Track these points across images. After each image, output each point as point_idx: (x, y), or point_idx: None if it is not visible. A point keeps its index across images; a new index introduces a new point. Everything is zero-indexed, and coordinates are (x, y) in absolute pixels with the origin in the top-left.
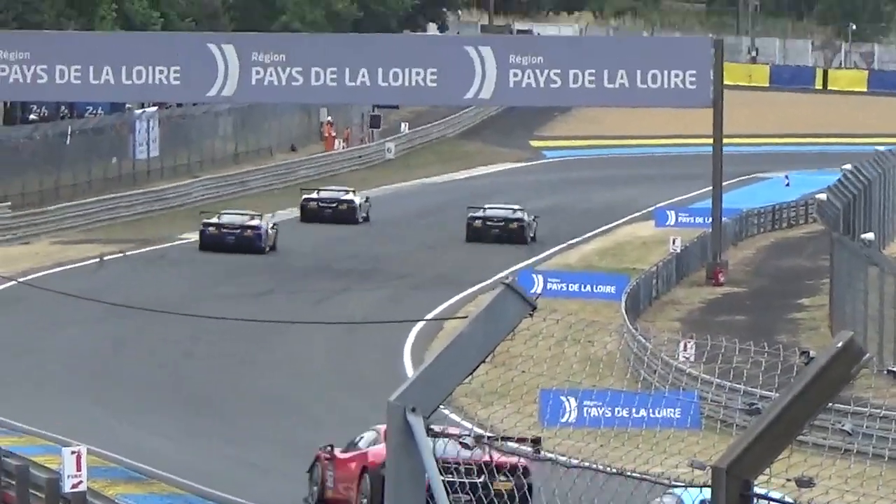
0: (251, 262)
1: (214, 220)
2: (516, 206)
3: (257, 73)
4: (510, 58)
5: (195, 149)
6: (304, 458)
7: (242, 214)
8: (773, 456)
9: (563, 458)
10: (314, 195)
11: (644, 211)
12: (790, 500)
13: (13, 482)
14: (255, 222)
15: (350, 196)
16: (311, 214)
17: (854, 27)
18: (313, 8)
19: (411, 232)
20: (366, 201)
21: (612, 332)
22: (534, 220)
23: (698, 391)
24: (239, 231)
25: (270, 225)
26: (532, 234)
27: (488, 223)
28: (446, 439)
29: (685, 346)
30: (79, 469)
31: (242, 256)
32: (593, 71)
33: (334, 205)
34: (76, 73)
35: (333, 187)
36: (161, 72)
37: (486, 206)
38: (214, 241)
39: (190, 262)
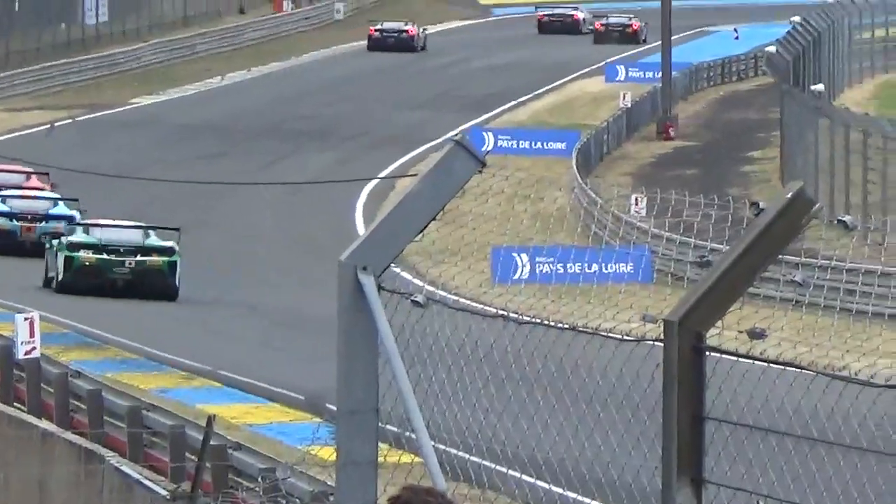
0: (203, 126)
1: (378, 26)
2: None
3: None
4: None
5: (144, 13)
6: (255, 320)
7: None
8: (724, 308)
9: (515, 315)
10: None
11: (594, 66)
12: (743, 353)
13: None
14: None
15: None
16: (376, 44)
17: None
18: None
19: (361, 92)
20: (423, 31)
21: (563, 188)
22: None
23: (649, 245)
24: (397, 34)
25: (421, 30)
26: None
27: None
28: None
29: (636, 200)
30: (32, 335)
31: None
32: None
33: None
34: None
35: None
36: None
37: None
38: (378, 44)
39: (142, 125)
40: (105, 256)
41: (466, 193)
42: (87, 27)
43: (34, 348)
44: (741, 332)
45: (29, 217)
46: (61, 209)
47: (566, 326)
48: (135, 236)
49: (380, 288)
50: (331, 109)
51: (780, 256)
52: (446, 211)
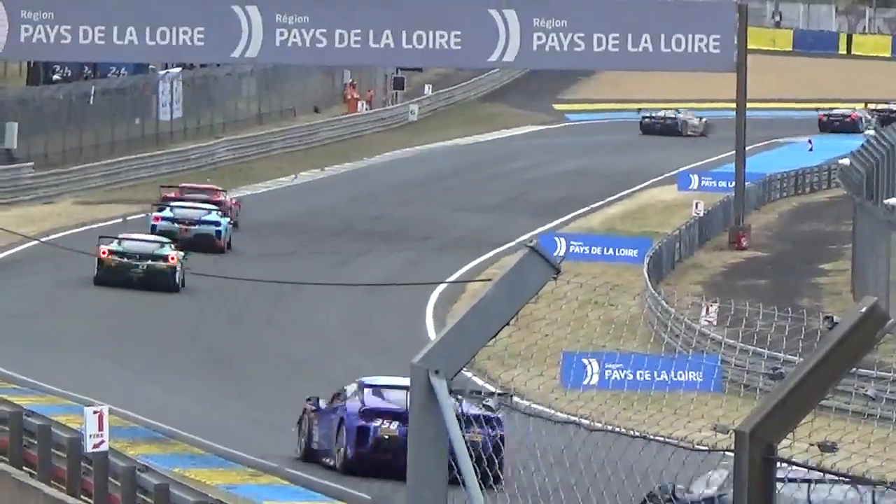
0: (275, 224)
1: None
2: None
3: (281, 34)
4: (534, 21)
5: (218, 110)
6: None
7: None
8: (796, 420)
9: (586, 422)
10: None
11: (667, 174)
12: (813, 465)
13: (35, 442)
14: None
15: None
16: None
17: None
18: None
19: (435, 194)
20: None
21: (635, 296)
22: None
23: (720, 355)
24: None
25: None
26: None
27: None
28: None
29: (707, 309)
30: (101, 429)
31: (267, 216)
32: (617, 34)
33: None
34: (100, 33)
35: None
36: (185, 32)
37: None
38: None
39: None
40: (125, 260)
41: (540, 299)
42: (161, 122)
43: (102, 441)
44: (812, 444)
45: (186, 221)
46: (213, 217)
47: (637, 434)
48: (150, 247)
49: (451, 391)
50: (403, 210)
51: (853, 370)
52: (519, 316)
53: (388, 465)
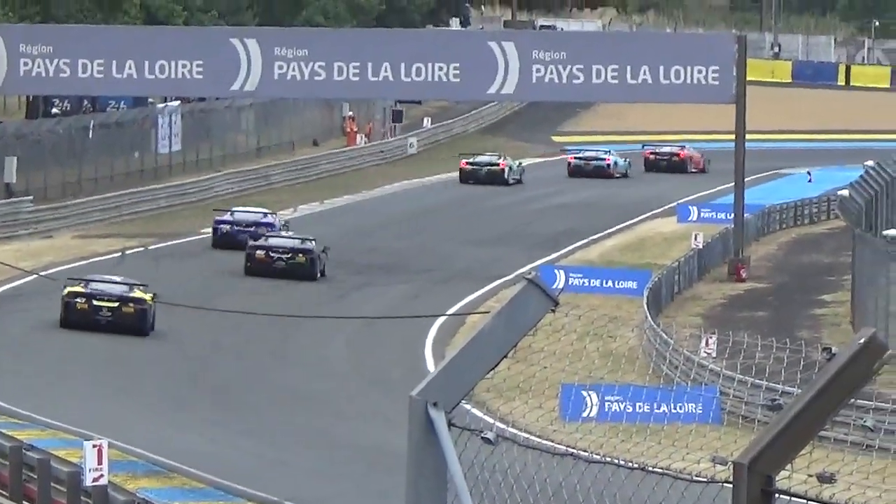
0: None
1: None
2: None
3: (280, 67)
4: (533, 53)
5: (217, 143)
6: (325, 452)
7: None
8: (794, 451)
9: (585, 454)
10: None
11: (666, 206)
12: (812, 496)
13: (35, 476)
14: (269, 219)
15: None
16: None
17: (877, 23)
18: (336, 2)
19: (435, 226)
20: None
21: (634, 328)
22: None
23: (719, 386)
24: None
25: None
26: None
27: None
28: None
29: (707, 341)
30: (100, 463)
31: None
32: (616, 66)
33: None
34: (99, 67)
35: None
36: (184, 66)
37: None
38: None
39: (211, 254)
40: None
41: (538, 331)
42: (159, 156)
43: (102, 475)
44: (810, 475)
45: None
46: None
47: (635, 466)
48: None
49: (450, 424)
50: (402, 243)
51: (851, 401)
52: (518, 348)
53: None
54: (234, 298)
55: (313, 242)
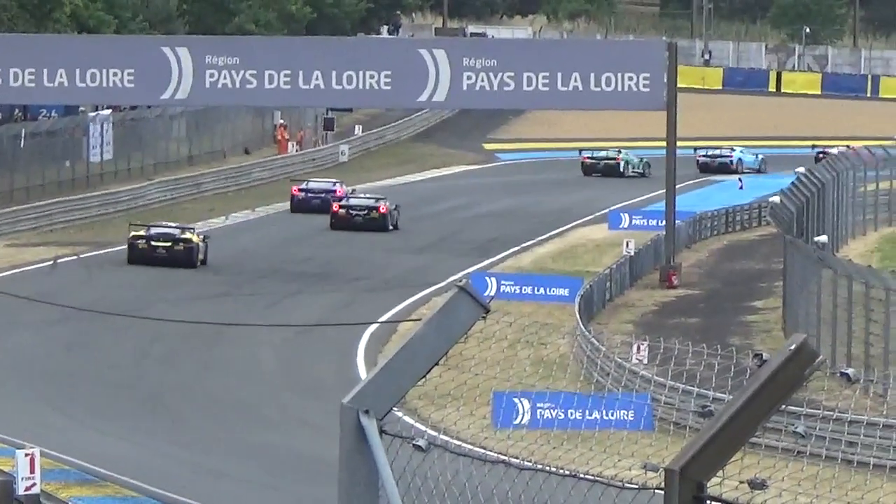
0: (207, 265)
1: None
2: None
3: (211, 75)
4: (464, 60)
5: (149, 151)
6: (258, 461)
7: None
8: (726, 458)
9: (517, 461)
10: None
11: (597, 213)
12: (743, 503)
13: None
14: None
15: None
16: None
17: (808, 30)
18: (267, 10)
19: (366, 234)
20: (395, 209)
21: (565, 335)
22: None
23: (651, 393)
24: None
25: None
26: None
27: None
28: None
29: (638, 348)
30: (32, 471)
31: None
32: (547, 73)
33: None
34: (30, 75)
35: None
36: (115, 74)
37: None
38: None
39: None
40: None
41: (470, 338)
42: (91, 164)
43: (34, 484)
44: (742, 482)
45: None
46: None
47: (567, 473)
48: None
49: (382, 432)
50: (333, 251)
51: (783, 407)
52: (449, 356)
53: None
54: (165, 308)
55: (386, 201)
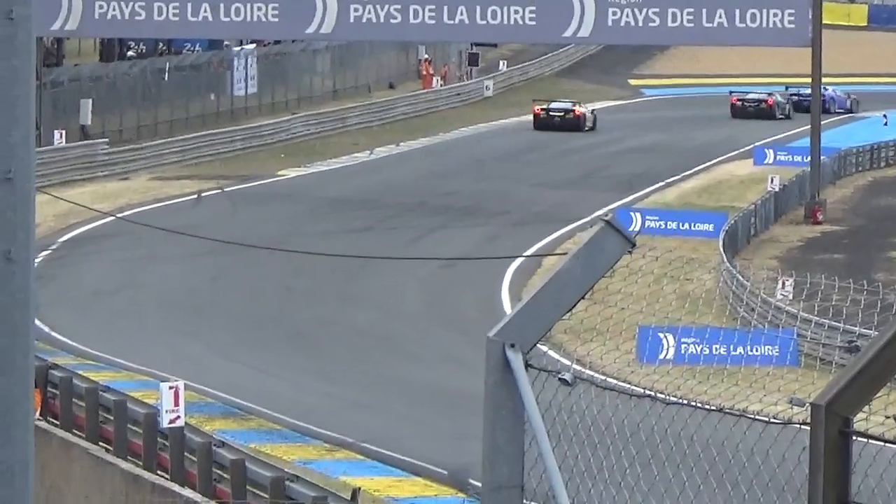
0: (351, 199)
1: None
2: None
3: (356, 10)
4: None
5: (293, 86)
6: (401, 395)
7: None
8: (872, 393)
9: (662, 396)
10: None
11: (742, 149)
12: (890, 438)
13: (111, 417)
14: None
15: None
16: (542, 123)
17: None
18: None
19: (511, 169)
20: (592, 112)
21: (710, 270)
22: (591, 112)
23: (796, 329)
24: (563, 114)
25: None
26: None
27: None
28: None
29: (783, 283)
30: (176, 404)
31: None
32: (691, 10)
33: (561, 114)
34: (174, 9)
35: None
36: (259, 9)
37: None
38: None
39: (289, 197)
40: (551, 113)
41: (615, 273)
42: (235, 98)
43: (178, 417)
44: (888, 416)
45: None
46: (574, 108)
47: (712, 408)
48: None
49: (527, 365)
50: (479, 186)
51: None
52: (595, 290)
53: None
54: (309, 241)
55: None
